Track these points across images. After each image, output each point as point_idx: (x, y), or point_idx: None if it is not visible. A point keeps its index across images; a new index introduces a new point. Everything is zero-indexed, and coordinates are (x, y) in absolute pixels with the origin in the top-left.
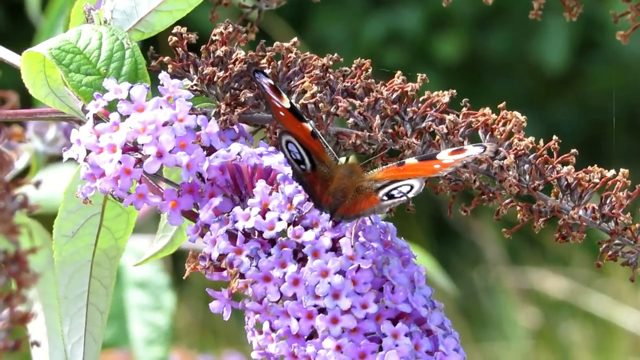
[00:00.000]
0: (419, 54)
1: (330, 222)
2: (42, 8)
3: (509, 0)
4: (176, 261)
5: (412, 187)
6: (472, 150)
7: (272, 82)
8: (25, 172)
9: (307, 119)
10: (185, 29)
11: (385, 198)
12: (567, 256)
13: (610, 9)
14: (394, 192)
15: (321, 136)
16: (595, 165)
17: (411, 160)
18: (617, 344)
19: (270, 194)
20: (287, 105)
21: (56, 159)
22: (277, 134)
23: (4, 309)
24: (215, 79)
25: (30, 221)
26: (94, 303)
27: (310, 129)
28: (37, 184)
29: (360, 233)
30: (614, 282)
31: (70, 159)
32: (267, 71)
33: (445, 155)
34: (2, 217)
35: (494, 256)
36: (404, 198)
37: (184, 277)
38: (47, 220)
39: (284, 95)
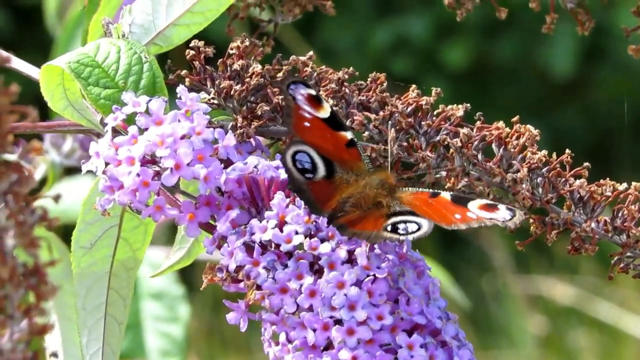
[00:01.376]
0: (427, 61)
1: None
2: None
3: (517, 7)
4: (187, 271)
5: (419, 228)
6: (501, 214)
7: (313, 93)
8: (42, 183)
9: (347, 127)
10: (202, 42)
11: (389, 228)
12: (574, 264)
13: (617, 16)
14: (400, 226)
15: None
16: (608, 178)
17: (445, 196)
18: (624, 351)
19: (287, 206)
20: (326, 115)
21: (73, 170)
22: (287, 144)
23: (23, 320)
24: (232, 92)
25: (48, 233)
26: (112, 314)
27: (349, 137)
28: (57, 198)
29: (375, 245)
30: (621, 290)
31: (89, 172)
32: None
33: (474, 207)
34: (21, 230)
35: (502, 263)
36: (404, 238)
37: (201, 289)
38: (64, 231)
39: (325, 105)
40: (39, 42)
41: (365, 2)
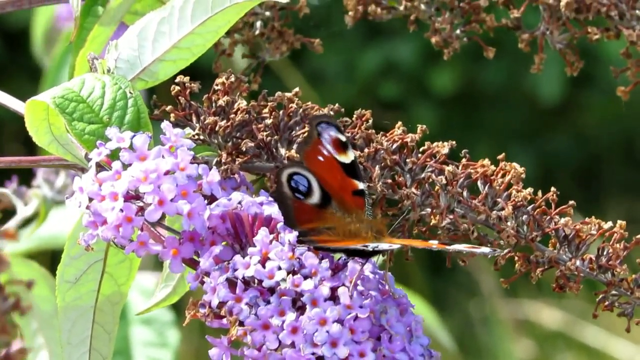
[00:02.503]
0: (415, 86)
1: (326, 268)
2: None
3: (504, 32)
4: None
5: (391, 247)
6: (481, 250)
7: (343, 139)
8: (32, 218)
9: (363, 178)
10: (187, 78)
11: (359, 247)
12: None
13: (605, 42)
14: (370, 246)
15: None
16: (594, 216)
17: (432, 242)
18: None
19: (270, 242)
20: (347, 161)
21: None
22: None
23: None
24: (217, 128)
25: (39, 268)
26: (97, 348)
27: (360, 187)
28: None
29: (359, 282)
30: (608, 314)
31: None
32: (269, 121)
33: (461, 246)
34: None
35: (489, 288)
36: (370, 250)
37: (184, 324)
38: (52, 258)
39: (350, 153)
40: (27, 66)
41: (353, 27)
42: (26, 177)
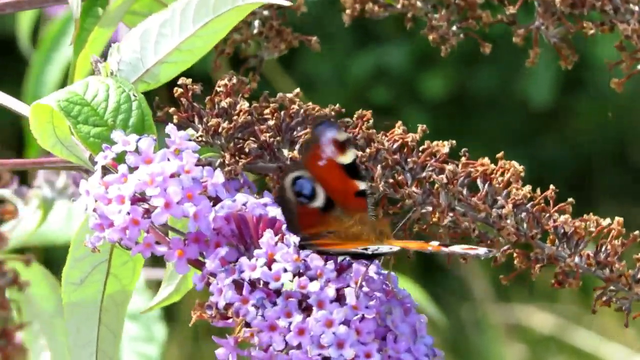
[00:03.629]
0: (406, 91)
1: (332, 271)
2: (32, 40)
3: (495, 37)
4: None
5: (390, 249)
6: (475, 252)
7: (340, 138)
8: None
9: (365, 178)
10: (190, 80)
11: (359, 249)
12: (554, 292)
13: (595, 48)
14: (370, 248)
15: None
16: (590, 213)
17: (433, 243)
18: None
19: (275, 244)
20: (346, 162)
21: None
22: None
23: None
24: (220, 130)
25: (39, 267)
26: (104, 349)
27: (362, 187)
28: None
29: (364, 283)
30: (601, 318)
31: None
32: (271, 122)
33: (456, 247)
34: None
35: (481, 292)
36: (369, 253)
37: (190, 324)
38: (50, 254)
39: (350, 152)
40: (19, 70)
41: (344, 32)
42: (22, 177)
